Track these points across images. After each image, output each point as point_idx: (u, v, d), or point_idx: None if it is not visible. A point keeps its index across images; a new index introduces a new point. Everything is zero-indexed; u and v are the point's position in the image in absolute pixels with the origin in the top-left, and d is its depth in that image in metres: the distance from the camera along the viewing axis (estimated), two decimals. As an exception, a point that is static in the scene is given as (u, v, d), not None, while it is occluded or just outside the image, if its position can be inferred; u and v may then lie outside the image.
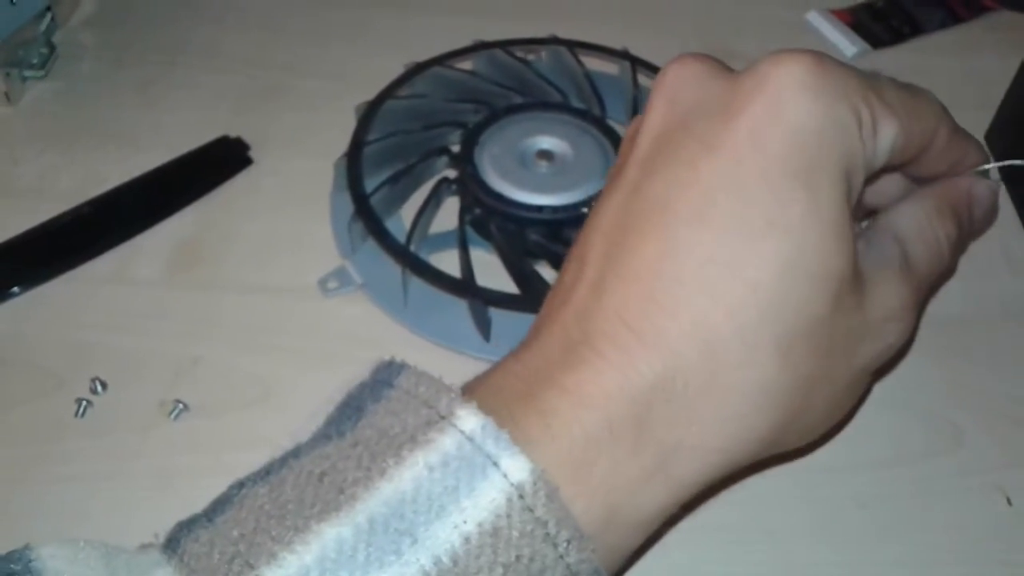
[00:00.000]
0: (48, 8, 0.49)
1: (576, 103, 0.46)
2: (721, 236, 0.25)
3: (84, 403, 0.36)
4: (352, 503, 0.23)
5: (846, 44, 0.52)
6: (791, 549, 0.33)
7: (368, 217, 0.40)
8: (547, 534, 0.23)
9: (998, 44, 0.53)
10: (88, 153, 0.45)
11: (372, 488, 0.23)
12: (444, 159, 0.43)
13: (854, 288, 0.27)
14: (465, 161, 0.42)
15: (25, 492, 0.34)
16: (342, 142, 0.43)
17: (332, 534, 0.22)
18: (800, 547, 0.33)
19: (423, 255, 0.40)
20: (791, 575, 0.33)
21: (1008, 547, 0.33)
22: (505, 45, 0.48)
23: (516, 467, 0.23)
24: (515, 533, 0.23)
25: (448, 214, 0.42)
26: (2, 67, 0.46)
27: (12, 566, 0.22)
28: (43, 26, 0.49)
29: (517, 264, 0.39)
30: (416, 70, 0.47)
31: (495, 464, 0.23)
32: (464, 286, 0.38)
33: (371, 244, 0.40)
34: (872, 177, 0.29)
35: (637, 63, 0.47)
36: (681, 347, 0.25)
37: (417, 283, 0.39)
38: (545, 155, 0.43)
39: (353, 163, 0.42)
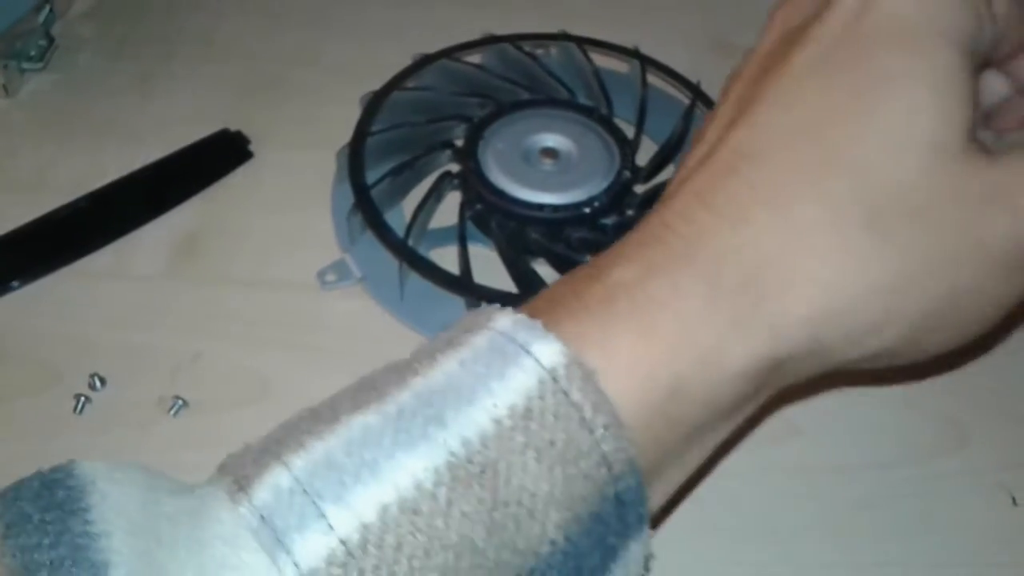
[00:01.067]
0: (46, 0, 0.48)
1: (584, 100, 0.45)
2: (805, 113, 0.26)
3: (83, 399, 0.35)
4: (383, 398, 0.23)
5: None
6: (796, 549, 0.33)
7: (367, 208, 0.40)
8: (583, 418, 0.22)
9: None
10: (87, 145, 0.45)
11: (403, 385, 0.23)
12: (447, 153, 0.43)
13: (967, 157, 0.25)
14: (468, 156, 0.42)
15: (23, 489, 0.33)
16: (343, 136, 0.43)
17: (359, 421, 0.22)
18: (805, 547, 0.33)
19: (424, 250, 0.39)
20: (795, 575, 0.33)
21: (1013, 547, 0.33)
22: (515, 40, 0.47)
23: (549, 351, 0.23)
24: (549, 417, 0.22)
25: (450, 209, 0.41)
26: (0, 59, 0.46)
27: (56, 474, 0.22)
28: (41, 18, 0.48)
29: (516, 262, 0.39)
30: (424, 62, 0.46)
31: (526, 351, 0.23)
32: (460, 283, 0.38)
33: (370, 237, 0.40)
34: (980, 67, 0.28)
35: (647, 62, 0.46)
36: (755, 214, 0.25)
37: (414, 278, 0.38)
38: (549, 153, 0.42)
39: (356, 153, 0.42)
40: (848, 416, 0.36)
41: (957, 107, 0.25)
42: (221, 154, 0.45)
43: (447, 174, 0.42)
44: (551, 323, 0.24)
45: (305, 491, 0.21)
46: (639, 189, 0.42)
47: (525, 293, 0.38)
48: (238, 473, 0.22)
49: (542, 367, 0.22)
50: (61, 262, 0.40)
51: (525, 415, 0.22)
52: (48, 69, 0.48)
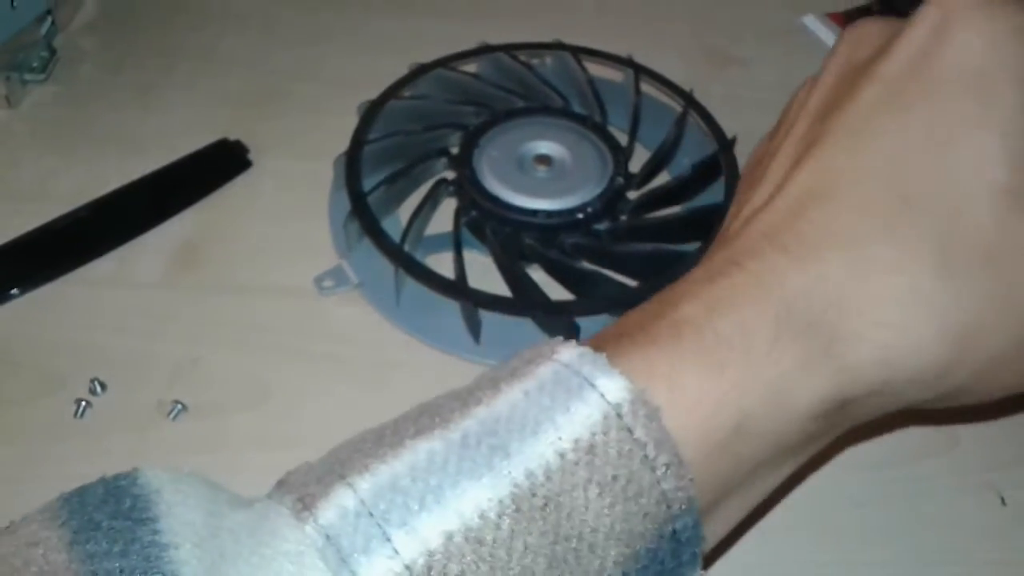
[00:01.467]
0: (48, 12, 0.49)
1: (578, 109, 0.46)
2: (874, 153, 0.26)
3: (83, 404, 0.36)
4: (447, 425, 0.23)
5: (842, 48, 0.53)
6: (786, 548, 0.33)
7: (364, 215, 0.40)
8: (645, 456, 0.22)
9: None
10: (88, 156, 0.46)
11: (467, 413, 0.23)
12: (443, 160, 0.44)
13: None
14: (463, 163, 0.42)
15: (23, 493, 0.34)
16: (340, 145, 0.43)
17: (424, 447, 0.22)
18: (795, 546, 0.33)
19: (420, 256, 0.40)
20: (785, 574, 0.33)
21: (1002, 546, 0.34)
22: (510, 49, 0.48)
23: (614, 386, 0.23)
24: (612, 452, 0.22)
25: (445, 215, 0.42)
26: (2, 70, 0.47)
27: (120, 481, 0.22)
28: (43, 30, 0.49)
29: (510, 267, 0.40)
30: (420, 71, 0.47)
31: (591, 385, 0.23)
32: (456, 287, 0.38)
33: (367, 243, 0.40)
34: None
35: (640, 70, 0.47)
36: (827, 255, 0.25)
37: (411, 283, 0.39)
38: (543, 160, 0.43)
39: (352, 161, 0.42)
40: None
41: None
42: (220, 163, 0.45)
43: (442, 181, 0.43)
44: (616, 355, 0.24)
45: (371, 514, 0.21)
46: (632, 195, 0.43)
47: (519, 298, 0.38)
48: (302, 491, 0.22)
49: (607, 402, 0.22)
50: (62, 270, 0.40)
51: (589, 450, 0.22)
52: (50, 81, 0.49)
